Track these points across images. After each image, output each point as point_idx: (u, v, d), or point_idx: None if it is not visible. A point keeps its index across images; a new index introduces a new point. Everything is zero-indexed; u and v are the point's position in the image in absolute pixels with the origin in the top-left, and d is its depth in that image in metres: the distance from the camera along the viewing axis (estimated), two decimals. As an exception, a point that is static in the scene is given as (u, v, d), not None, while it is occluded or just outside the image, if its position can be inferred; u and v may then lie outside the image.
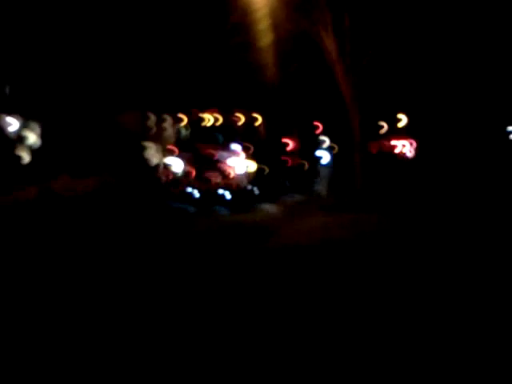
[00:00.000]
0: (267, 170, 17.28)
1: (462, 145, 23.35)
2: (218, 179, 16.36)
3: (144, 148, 19.73)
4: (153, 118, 20.96)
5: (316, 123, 21.26)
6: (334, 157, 19.89)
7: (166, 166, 17.05)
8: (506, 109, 26.00)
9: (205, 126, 17.47)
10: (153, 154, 19.42)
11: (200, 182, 16.39)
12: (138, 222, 14.06)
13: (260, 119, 17.72)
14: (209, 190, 16.31)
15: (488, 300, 7.20)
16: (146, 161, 19.27)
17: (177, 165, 16.89)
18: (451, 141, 23.23)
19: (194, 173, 16.60)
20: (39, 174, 16.21)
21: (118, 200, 16.23)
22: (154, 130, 20.78)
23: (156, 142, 19.74)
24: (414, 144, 22.63)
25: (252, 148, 16.92)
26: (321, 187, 18.76)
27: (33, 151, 17.64)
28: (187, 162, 16.78)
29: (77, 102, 20.63)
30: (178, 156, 17.00)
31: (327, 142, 20.25)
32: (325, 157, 19.34)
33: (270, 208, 16.20)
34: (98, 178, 17.28)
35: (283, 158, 18.58)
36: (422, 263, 9.56)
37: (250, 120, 17.47)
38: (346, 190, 16.89)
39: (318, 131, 20.61)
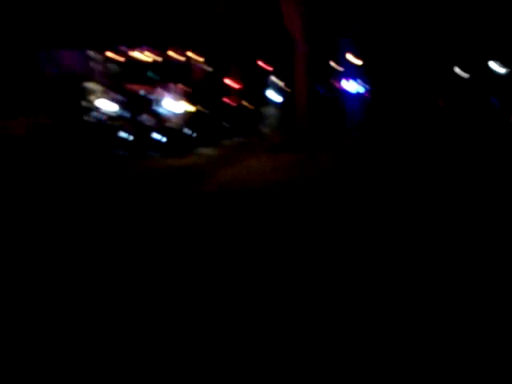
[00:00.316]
0: (206, 112, 15.82)
1: (413, 84, 22.61)
2: (151, 121, 14.89)
3: (83, 88, 18.25)
4: (93, 55, 19.42)
5: (262, 62, 19.89)
6: (283, 95, 18.60)
7: (97, 109, 15.45)
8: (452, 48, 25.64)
9: (137, 65, 15.85)
10: (92, 95, 17.95)
11: (132, 125, 14.88)
12: (70, 165, 12.93)
13: (198, 58, 16.13)
14: (142, 133, 14.80)
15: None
16: (83, 102, 17.81)
17: (108, 107, 15.29)
18: (402, 81, 22.40)
19: (126, 115, 15.06)
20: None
21: (51, 143, 15.10)
22: (95, 68, 19.29)
23: (95, 82, 18.24)
24: (366, 83, 21.55)
25: (189, 88, 15.39)
26: (266, 127, 17.50)
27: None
28: (119, 103, 15.20)
29: (10, 39, 19.22)
30: (110, 97, 15.38)
31: (275, 80, 18.94)
32: (272, 96, 18.06)
33: (208, 151, 14.86)
34: (33, 119, 15.98)
35: (224, 98, 17.11)
36: (375, 202, 8.54)
37: (187, 59, 15.87)
38: (293, 130, 15.67)
39: (263, 70, 19.23)
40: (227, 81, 17.51)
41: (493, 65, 27.80)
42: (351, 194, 9.17)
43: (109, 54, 16.31)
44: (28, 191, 10.08)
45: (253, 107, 18.27)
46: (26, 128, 15.52)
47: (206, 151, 14.85)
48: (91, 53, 19.39)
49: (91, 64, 19.05)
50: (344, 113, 18.86)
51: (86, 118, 15.88)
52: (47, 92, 17.87)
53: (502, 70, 26.28)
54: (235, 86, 17.69)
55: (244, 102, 17.88)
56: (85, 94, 18.00)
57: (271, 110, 18.34)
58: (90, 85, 18.18)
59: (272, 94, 19.03)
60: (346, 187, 9.72)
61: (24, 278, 5.56)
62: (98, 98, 15.82)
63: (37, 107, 16.46)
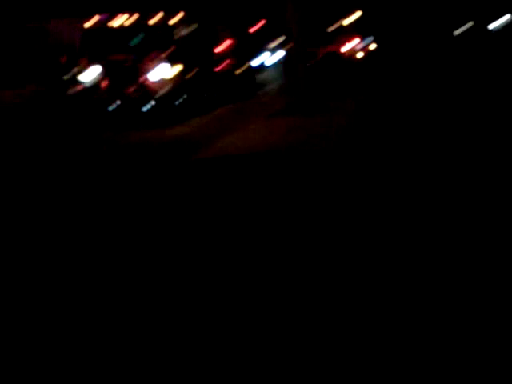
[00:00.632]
0: (197, 78, 14.77)
1: (414, 43, 21.64)
2: (138, 92, 13.87)
3: (69, 61, 17.35)
4: (81, 26, 18.44)
5: (256, 24, 18.81)
6: (284, 57, 17.55)
7: (83, 81, 14.45)
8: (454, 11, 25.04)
9: (116, 31, 14.75)
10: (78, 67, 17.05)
11: (119, 97, 13.89)
12: (59, 141, 12.15)
13: (184, 21, 15.02)
14: (129, 105, 13.81)
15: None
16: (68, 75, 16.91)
17: (93, 79, 14.31)
18: (403, 39, 21.40)
19: (107, 85, 14.04)
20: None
21: (47, 112, 14.85)
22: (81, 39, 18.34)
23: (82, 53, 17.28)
24: (366, 42, 20.45)
25: (177, 54, 14.34)
26: (264, 91, 16.46)
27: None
28: (104, 75, 14.21)
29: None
30: (95, 69, 14.36)
31: (273, 42, 17.90)
32: (269, 59, 17.00)
33: (201, 120, 13.84)
34: (30, 88, 15.25)
35: (216, 62, 16.04)
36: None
37: (173, 23, 14.75)
38: (292, 93, 14.70)
39: (255, 30, 18.14)
40: (219, 44, 16.41)
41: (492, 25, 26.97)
42: (353, 162, 8.20)
43: (90, 22, 15.24)
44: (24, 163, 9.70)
45: (248, 70, 17.19)
46: (22, 99, 15.22)
47: (198, 120, 13.84)
48: (80, 23, 18.49)
49: (78, 35, 18.19)
50: (345, 72, 17.87)
51: (71, 91, 14.97)
52: (44, 60, 17.19)
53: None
54: (228, 49, 16.60)
55: (238, 66, 16.80)
56: (70, 66, 17.15)
57: (269, 73, 17.32)
58: (77, 56, 17.31)
59: (269, 56, 17.96)
60: (346, 153, 8.75)
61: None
62: (84, 70, 14.88)
63: (33, 78, 15.88)
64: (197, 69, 15.04)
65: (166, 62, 14.14)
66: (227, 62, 16.51)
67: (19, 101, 15.54)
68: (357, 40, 19.39)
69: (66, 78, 16.21)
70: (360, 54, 19.63)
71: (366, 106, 13.88)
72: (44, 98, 15.70)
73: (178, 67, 14.27)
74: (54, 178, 8.51)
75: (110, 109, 14.04)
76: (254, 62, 17.70)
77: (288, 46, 18.67)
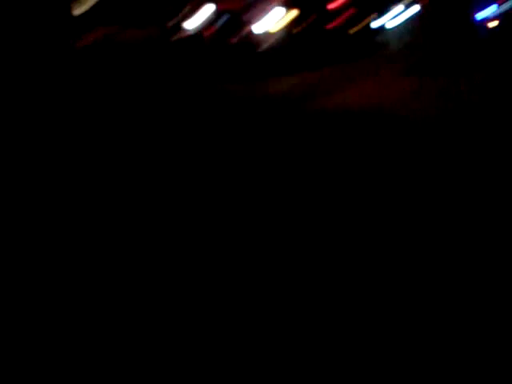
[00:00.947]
0: (312, 27, 13.73)
1: None
2: (239, 41, 13.10)
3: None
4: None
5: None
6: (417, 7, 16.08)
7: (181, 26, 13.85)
8: None
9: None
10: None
11: (219, 45, 13.24)
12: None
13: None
14: (229, 54, 13.12)
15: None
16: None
17: (192, 24, 13.66)
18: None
19: (212, 34, 13.34)
20: (91, 20, 14.76)
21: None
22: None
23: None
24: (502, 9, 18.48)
25: (285, 3, 13.37)
26: (393, 45, 15.06)
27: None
28: (205, 20, 13.52)
29: None
30: (195, 13, 13.66)
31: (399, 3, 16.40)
32: (391, 20, 15.56)
33: (305, 75, 12.76)
34: (148, 29, 15.26)
35: (327, 19, 14.90)
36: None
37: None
38: (416, 54, 13.39)
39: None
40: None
41: None
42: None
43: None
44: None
45: (365, 30, 15.79)
46: (143, 36, 15.07)
47: (304, 75, 12.76)
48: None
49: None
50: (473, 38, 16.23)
51: (176, 37, 14.33)
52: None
53: None
54: (345, 5, 15.28)
55: (354, 24, 15.44)
56: (176, 12, 16.61)
57: (392, 34, 15.82)
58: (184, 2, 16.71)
59: (391, 18, 16.39)
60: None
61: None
62: (190, 16, 14.20)
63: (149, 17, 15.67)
64: (306, 23, 14.03)
65: (273, 13, 13.30)
66: (342, 18, 15.26)
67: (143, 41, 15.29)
68: (492, 6, 17.53)
69: (170, 24, 15.68)
70: (494, 23, 17.76)
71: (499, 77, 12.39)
72: (159, 42, 15.33)
73: (286, 20, 13.38)
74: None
75: (214, 58, 13.28)
76: (374, 24, 16.23)
77: (412, 8, 17.20)
